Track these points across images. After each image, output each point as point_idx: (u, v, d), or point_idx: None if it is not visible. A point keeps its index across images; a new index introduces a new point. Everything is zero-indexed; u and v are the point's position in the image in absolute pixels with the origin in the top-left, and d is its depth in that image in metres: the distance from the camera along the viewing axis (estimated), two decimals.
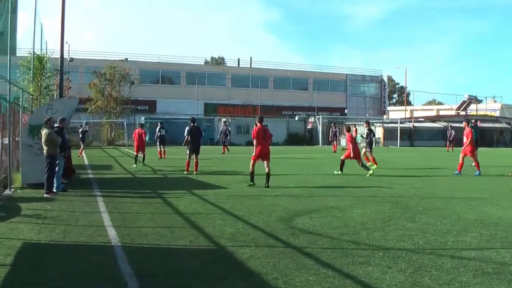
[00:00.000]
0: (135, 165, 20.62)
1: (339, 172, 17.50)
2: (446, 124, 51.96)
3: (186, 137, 17.68)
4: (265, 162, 13.85)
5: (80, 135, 29.90)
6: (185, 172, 17.26)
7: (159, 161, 23.98)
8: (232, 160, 24.68)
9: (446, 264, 6.01)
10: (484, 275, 5.55)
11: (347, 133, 18.15)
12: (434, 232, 7.80)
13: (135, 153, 21.57)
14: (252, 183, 13.84)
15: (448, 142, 38.89)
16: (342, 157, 17.90)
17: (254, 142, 14.09)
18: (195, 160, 17.41)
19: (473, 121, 26.87)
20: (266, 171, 13.73)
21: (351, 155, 17.53)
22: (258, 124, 14.19)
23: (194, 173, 17.08)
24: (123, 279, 5.45)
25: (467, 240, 7.31)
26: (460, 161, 18.01)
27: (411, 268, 5.84)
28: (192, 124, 17.73)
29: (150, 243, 7.16)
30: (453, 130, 38.92)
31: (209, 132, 45.12)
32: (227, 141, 33.10)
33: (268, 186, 13.44)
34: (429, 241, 7.25)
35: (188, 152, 17.56)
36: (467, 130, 18.16)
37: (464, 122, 19.31)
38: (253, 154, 14.04)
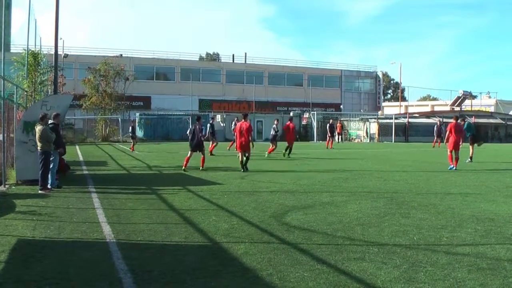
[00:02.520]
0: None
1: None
2: (441, 119, 52.09)
3: (189, 135, 17.72)
4: (246, 151, 16.84)
5: (131, 133, 32.42)
6: (183, 168, 16.99)
7: (157, 157, 23.98)
8: (226, 156, 24.65)
9: (441, 259, 6.03)
10: (479, 270, 5.56)
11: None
12: (429, 228, 7.82)
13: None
14: (242, 169, 16.60)
15: (435, 138, 38.50)
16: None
17: (235, 134, 17.71)
18: (202, 156, 17.38)
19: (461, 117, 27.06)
20: (246, 155, 16.91)
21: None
22: (242, 120, 17.02)
23: (200, 169, 17.14)
24: (117, 276, 5.43)
25: (462, 235, 7.33)
26: (449, 154, 18.01)
27: (406, 264, 5.85)
28: (197, 122, 17.75)
29: (145, 239, 7.15)
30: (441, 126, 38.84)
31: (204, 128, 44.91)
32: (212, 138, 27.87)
33: (247, 169, 16.68)
34: (424, 236, 7.26)
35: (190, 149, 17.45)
36: (452, 124, 18.33)
37: (454, 116, 19.86)
38: (237, 146, 17.11)
